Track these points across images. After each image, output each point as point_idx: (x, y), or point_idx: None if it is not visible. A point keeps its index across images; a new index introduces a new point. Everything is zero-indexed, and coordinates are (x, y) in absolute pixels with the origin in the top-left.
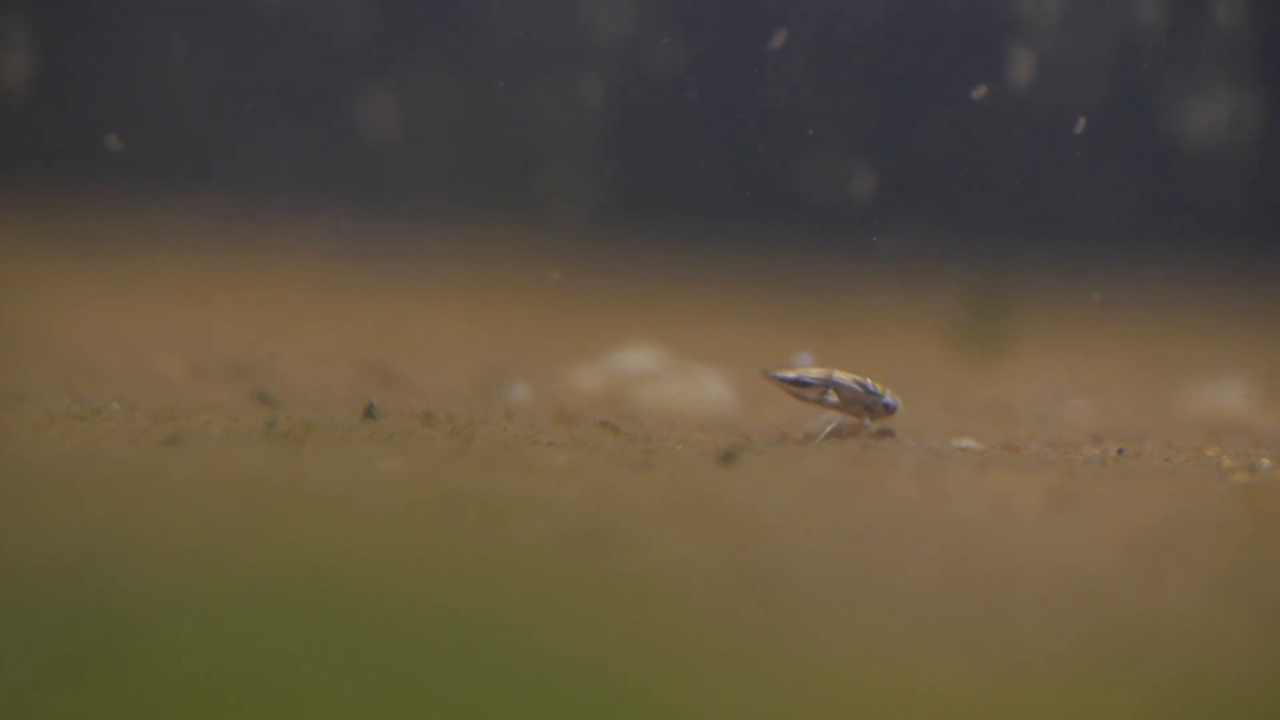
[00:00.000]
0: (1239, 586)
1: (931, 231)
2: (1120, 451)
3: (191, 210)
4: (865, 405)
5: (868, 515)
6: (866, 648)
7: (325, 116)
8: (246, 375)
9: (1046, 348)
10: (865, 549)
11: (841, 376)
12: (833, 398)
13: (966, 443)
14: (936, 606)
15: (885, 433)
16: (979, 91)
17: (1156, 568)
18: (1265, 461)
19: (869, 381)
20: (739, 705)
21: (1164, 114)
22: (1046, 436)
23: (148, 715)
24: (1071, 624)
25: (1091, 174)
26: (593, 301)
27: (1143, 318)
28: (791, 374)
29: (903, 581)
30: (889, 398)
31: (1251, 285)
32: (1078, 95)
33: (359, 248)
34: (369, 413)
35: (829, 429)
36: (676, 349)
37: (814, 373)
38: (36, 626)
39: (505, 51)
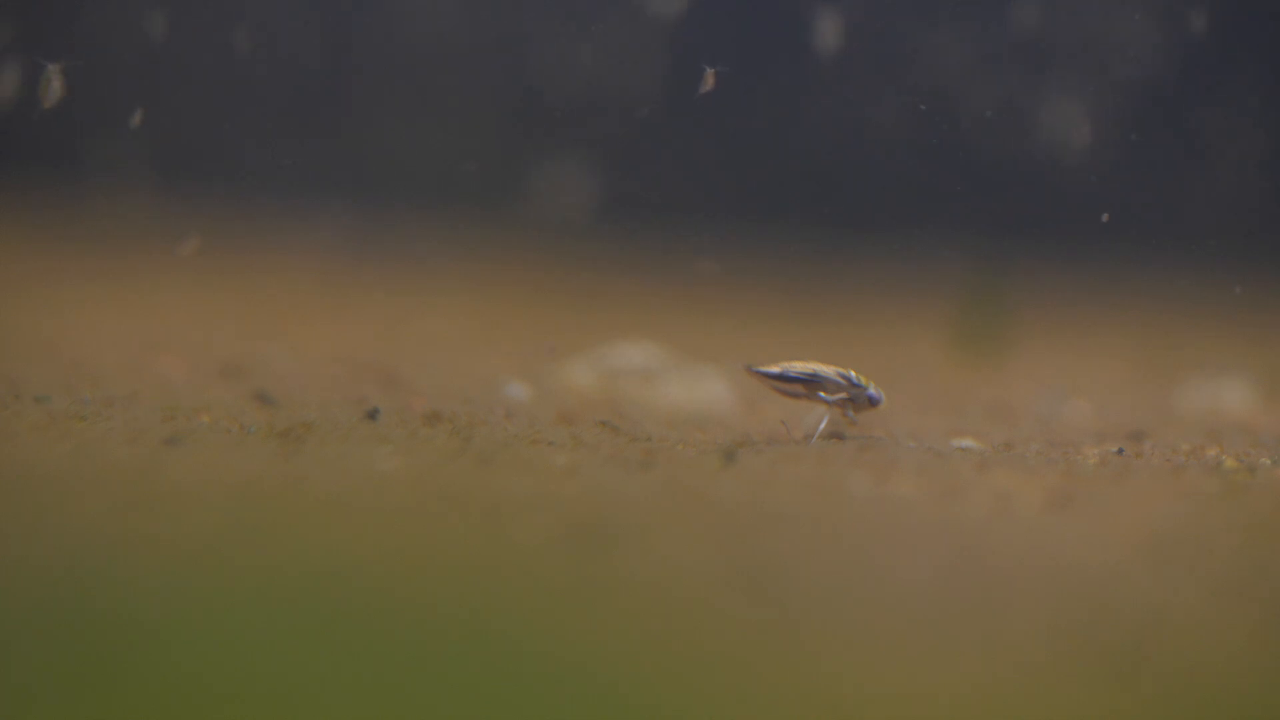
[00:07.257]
0: (1239, 586)
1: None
2: (1120, 451)
3: (192, 210)
4: (850, 397)
5: (869, 514)
6: (868, 647)
7: (326, 115)
8: (246, 375)
9: (1046, 348)
10: (866, 548)
11: (825, 370)
12: (818, 392)
13: (966, 443)
14: (938, 606)
15: (870, 430)
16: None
17: (1157, 567)
18: (1265, 461)
19: (852, 374)
20: (741, 706)
21: (1164, 113)
22: (1046, 436)
23: (147, 716)
24: (1072, 623)
25: (1091, 174)
26: (592, 301)
27: (1143, 318)
28: (775, 369)
29: (904, 581)
30: (873, 390)
31: (1252, 285)
32: (1078, 95)
33: (360, 247)
34: (372, 415)
35: (821, 426)
36: (676, 348)
37: (797, 367)
38: (36, 627)
39: (499, 50)
